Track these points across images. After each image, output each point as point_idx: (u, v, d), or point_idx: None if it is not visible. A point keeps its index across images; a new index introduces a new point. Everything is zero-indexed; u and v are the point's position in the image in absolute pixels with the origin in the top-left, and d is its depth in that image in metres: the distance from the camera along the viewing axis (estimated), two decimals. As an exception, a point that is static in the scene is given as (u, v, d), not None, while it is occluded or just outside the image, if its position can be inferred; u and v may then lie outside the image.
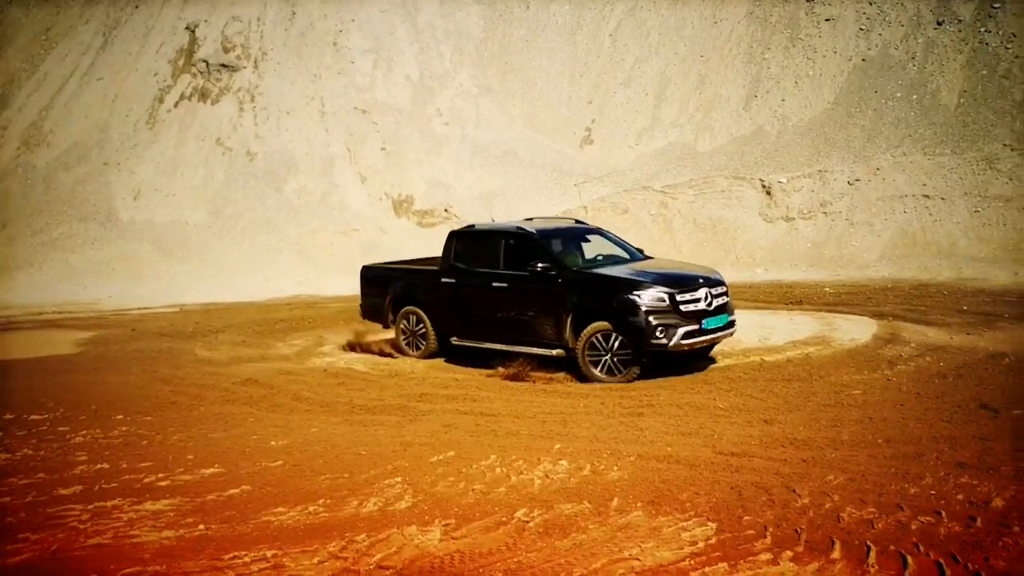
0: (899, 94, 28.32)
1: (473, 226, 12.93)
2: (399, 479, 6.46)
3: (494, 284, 11.70)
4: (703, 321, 10.32)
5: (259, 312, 18.92)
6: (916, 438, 6.97)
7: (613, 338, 10.28)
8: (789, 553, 4.73)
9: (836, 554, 4.70)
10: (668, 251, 24.52)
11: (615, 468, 6.46)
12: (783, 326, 13.64)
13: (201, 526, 5.61)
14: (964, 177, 24.62)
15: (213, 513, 5.87)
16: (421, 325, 12.66)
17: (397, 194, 30.71)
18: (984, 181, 24.14)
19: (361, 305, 14.03)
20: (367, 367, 12.11)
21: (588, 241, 12.32)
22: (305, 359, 12.93)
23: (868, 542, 4.84)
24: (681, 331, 10.07)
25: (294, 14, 34.88)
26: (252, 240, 28.09)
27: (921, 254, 22.67)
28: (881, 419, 7.69)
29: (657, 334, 10.00)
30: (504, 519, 5.51)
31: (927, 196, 24.30)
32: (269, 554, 5.07)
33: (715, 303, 10.57)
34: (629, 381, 10.16)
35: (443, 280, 12.34)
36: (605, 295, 10.59)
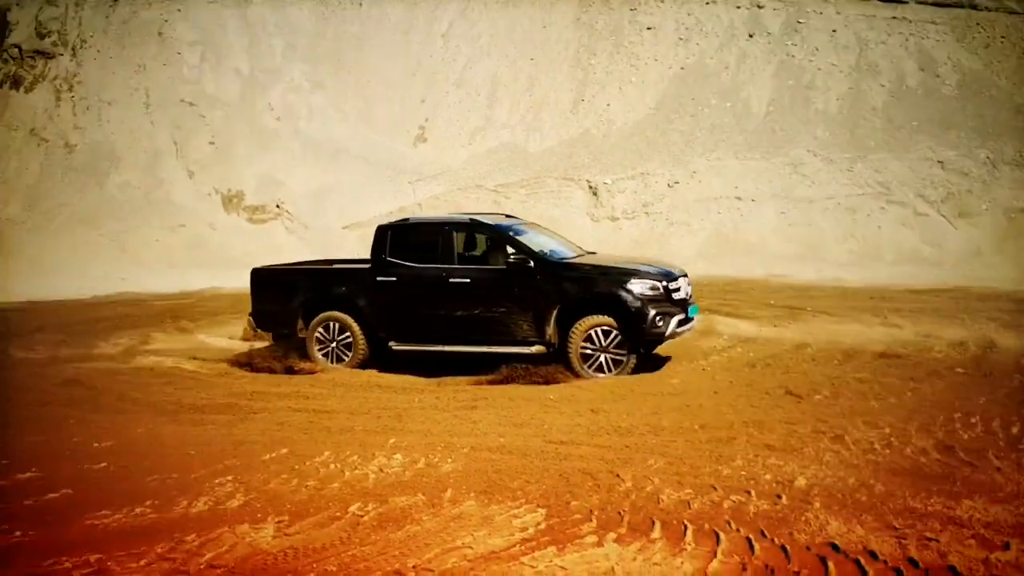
0: (714, 101, 29.91)
1: (407, 219, 12.00)
2: (230, 477, 6.38)
3: (452, 280, 10.75)
4: (688, 309, 10.52)
5: (80, 311, 18.07)
6: (729, 423, 7.54)
7: (612, 332, 10.04)
8: (613, 535, 5.07)
9: (656, 534, 5.07)
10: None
11: (449, 460, 6.69)
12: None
13: (17, 532, 5.37)
14: (772, 180, 26.34)
15: (30, 519, 5.62)
16: (346, 333, 11.20)
17: (227, 189, 29.94)
18: (790, 184, 25.89)
19: (254, 314, 12.09)
20: (196, 366, 11.82)
21: (528, 235, 11.25)
22: (130, 358, 12.40)
23: (685, 521, 5.22)
24: (675, 320, 10.15)
25: (116, 1, 33.39)
26: (72, 236, 26.71)
27: (734, 252, 24.07)
28: (697, 406, 8.26)
29: (657, 323, 9.96)
30: (338, 514, 5.56)
31: (739, 198, 25.81)
32: (93, 559, 4.92)
33: (690, 293, 10.91)
34: (628, 373, 9.98)
35: (379, 279, 11.12)
36: (600, 286, 10.24)
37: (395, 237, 11.28)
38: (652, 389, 9.19)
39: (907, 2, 32.98)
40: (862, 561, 4.54)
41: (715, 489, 5.79)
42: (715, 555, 4.72)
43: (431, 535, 5.15)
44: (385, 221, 12.50)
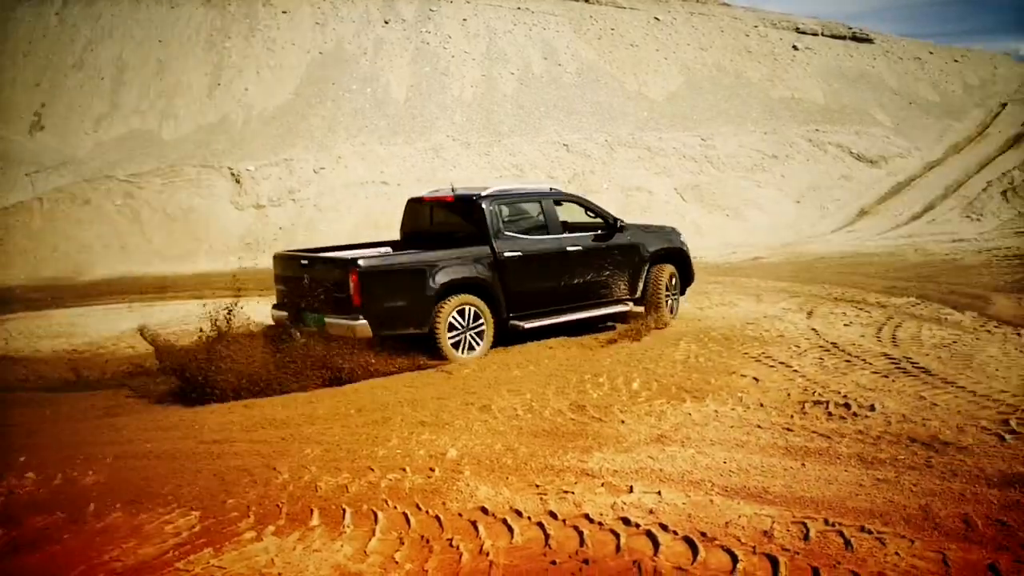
0: (355, 87, 30.11)
1: (493, 193, 10.48)
2: None
3: (569, 249, 10.55)
4: None
5: None
6: (384, 404, 7.69)
7: (675, 278, 11.77)
8: (271, 528, 5.00)
9: (315, 521, 5.07)
10: (138, 243, 23.52)
11: (90, 472, 6.24)
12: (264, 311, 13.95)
13: None
14: (416, 165, 27.06)
15: None
16: (480, 318, 9.79)
17: None
18: (432, 168, 26.74)
19: (372, 317, 9.01)
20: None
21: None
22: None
23: (344, 505, 5.27)
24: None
25: None
26: None
27: (383, 236, 24.39)
28: (354, 391, 8.36)
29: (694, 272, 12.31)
30: (-39, 547, 4.98)
31: (385, 183, 26.24)
32: None
33: None
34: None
35: (505, 255, 10.00)
36: (672, 241, 11.95)
37: (499, 210, 10.28)
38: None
39: (529, -6, 35.22)
40: (509, 520, 4.85)
41: (372, 470, 5.89)
42: (374, 533, 4.81)
43: (74, 554, 4.77)
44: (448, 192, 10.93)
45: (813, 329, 10.36)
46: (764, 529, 4.52)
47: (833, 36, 39.98)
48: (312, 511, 5.23)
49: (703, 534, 4.50)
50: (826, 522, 4.56)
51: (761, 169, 30.12)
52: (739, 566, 4.12)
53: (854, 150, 31.87)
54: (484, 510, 5.04)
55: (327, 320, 9.23)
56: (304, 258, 10.01)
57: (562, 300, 10.59)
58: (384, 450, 6.35)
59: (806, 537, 4.39)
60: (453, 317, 9.55)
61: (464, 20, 33.44)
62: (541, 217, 10.64)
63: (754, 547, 4.31)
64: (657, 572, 4.12)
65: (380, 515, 5.08)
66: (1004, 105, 37.19)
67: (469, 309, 9.70)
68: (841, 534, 4.39)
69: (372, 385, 8.54)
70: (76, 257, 22.50)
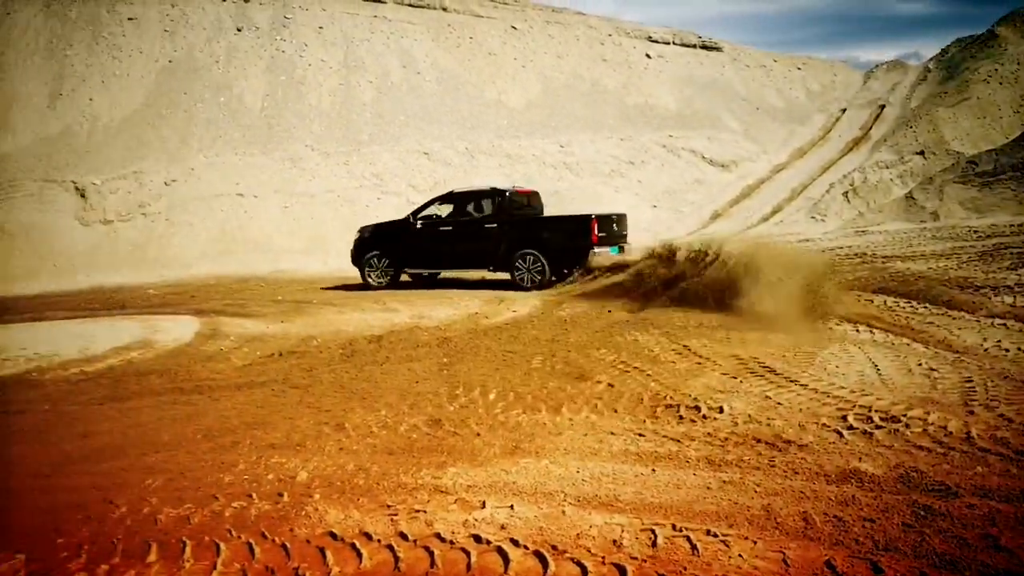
0: (207, 96, 29.22)
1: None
2: None
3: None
4: None
5: None
6: (232, 428, 7.40)
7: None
8: (105, 567, 4.70)
9: (153, 556, 4.80)
10: (-28, 264, 22.16)
11: (-96, 518, 5.76)
12: (105, 333, 13.32)
13: None
14: (273, 176, 26.45)
15: None
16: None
17: None
18: (291, 179, 26.21)
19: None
20: None
21: None
22: None
23: (184, 538, 5.03)
24: None
25: None
26: None
27: (240, 249, 23.82)
28: (199, 414, 8.02)
29: None
30: None
31: (241, 195, 25.55)
32: None
33: None
34: None
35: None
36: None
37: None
38: (141, 404, 8.72)
39: (386, 2, 34.96)
40: (358, 544, 4.72)
41: (216, 498, 5.65)
42: (215, 567, 4.60)
43: None
44: None
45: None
46: (614, 538, 4.54)
47: (684, 45, 41.31)
48: (151, 546, 4.96)
49: (554, 547, 4.49)
50: (674, 527, 4.62)
51: (619, 175, 30.79)
52: (587, 578, 4.13)
53: (706, 155, 32.98)
54: (333, 535, 4.89)
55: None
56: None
57: None
58: (231, 476, 6.10)
59: (654, 544, 4.44)
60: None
61: (320, 28, 32.93)
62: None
63: (603, 557, 4.33)
64: (505, 589, 4.08)
65: (223, 546, 4.86)
66: (844, 110, 39.24)
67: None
68: (688, 539, 4.46)
69: (219, 408, 8.22)
70: (-102, 279, 21.03)
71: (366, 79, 31.76)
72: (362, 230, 18.48)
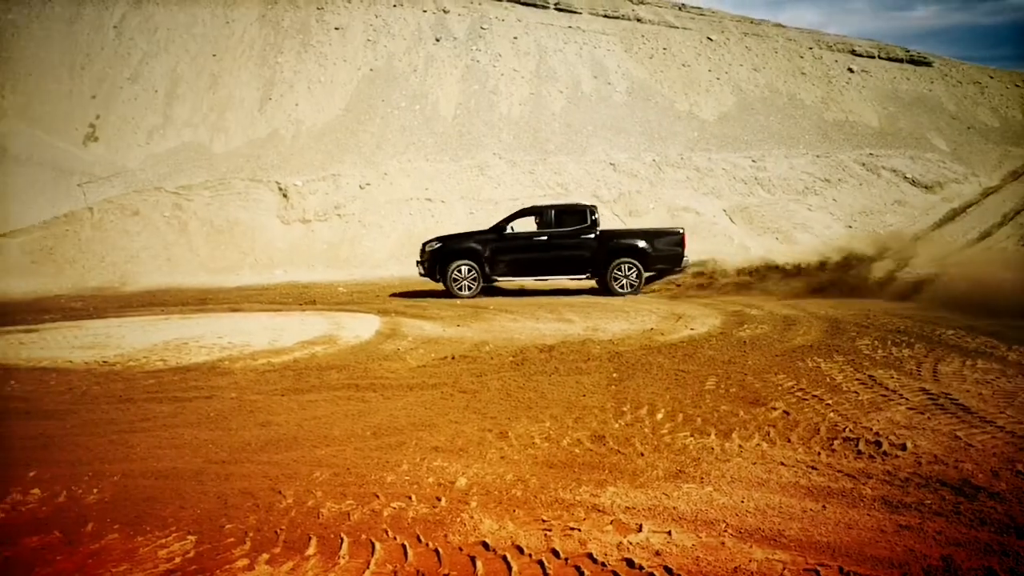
0: (403, 103, 30.21)
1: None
2: None
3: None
4: None
5: None
6: (399, 428, 7.51)
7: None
8: (266, 556, 4.83)
9: (311, 550, 4.90)
10: (184, 254, 23.77)
11: (95, 491, 6.13)
12: (294, 327, 13.93)
13: None
14: (461, 182, 27.02)
15: None
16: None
17: None
18: (477, 186, 26.67)
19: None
20: None
21: None
22: None
23: (343, 534, 5.10)
24: None
25: None
26: None
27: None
28: (370, 411, 8.18)
29: None
30: (-44, 564, 4.92)
31: (429, 199, 26.22)
32: None
33: None
34: None
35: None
36: None
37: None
38: (324, 396, 8.99)
39: (580, 13, 35.08)
40: (509, 556, 4.64)
41: (377, 497, 5.71)
42: (368, 566, 4.63)
43: (62, 576, 4.66)
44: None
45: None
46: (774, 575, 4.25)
47: (890, 59, 39.27)
48: (311, 539, 5.06)
49: (709, 580, 4.25)
50: (841, 571, 4.28)
51: (813, 192, 29.60)
52: (743, 619, 3.87)
53: (909, 175, 31.19)
54: (485, 545, 4.83)
55: None
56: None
57: None
58: (393, 476, 6.17)
59: (819, 587, 4.12)
60: None
61: (515, 38, 33.42)
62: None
63: (762, 596, 4.05)
64: (655, 622, 3.88)
65: (378, 546, 4.89)
66: (1067, 131, 36.20)
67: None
68: (856, 586, 4.11)
69: (390, 407, 8.37)
70: (123, 267, 22.79)
71: (557, 89, 31.98)
72: (438, 240, 18.99)
